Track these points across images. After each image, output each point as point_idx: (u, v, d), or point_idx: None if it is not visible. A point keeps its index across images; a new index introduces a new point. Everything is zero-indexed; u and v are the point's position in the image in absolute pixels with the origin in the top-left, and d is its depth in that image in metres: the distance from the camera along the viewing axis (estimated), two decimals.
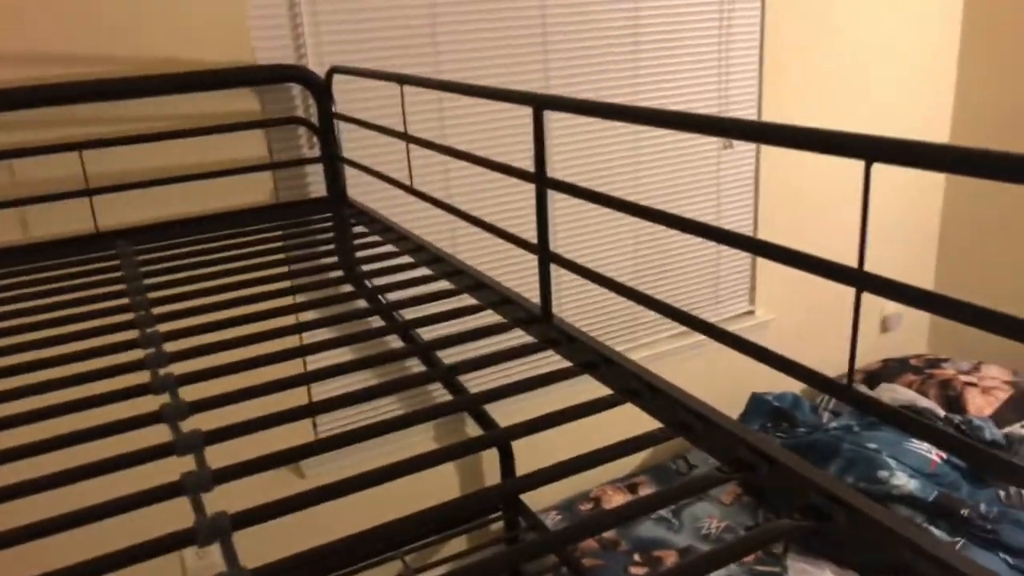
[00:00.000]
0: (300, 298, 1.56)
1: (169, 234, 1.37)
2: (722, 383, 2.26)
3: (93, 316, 0.94)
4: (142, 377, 0.79)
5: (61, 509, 0.56)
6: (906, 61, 2.32)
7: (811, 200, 2.26)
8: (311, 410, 0.67)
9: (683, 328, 2.16)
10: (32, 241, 1.36)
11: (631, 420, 2.08)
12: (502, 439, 0.64)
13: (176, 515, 1.54)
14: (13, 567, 1.44)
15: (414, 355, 1.73)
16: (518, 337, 1.87)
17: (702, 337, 2.15)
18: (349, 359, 0.77)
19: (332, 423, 1.73)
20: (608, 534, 1.83)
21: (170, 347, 0.81)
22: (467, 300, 1.26)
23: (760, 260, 2.22)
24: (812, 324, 2.39)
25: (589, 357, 0.77)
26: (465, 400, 0.70)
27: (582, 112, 0.68)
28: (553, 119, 1.82)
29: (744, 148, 2.10)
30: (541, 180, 0.78)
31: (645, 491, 2.02)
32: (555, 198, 1.87)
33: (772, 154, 2.15)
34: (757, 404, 2.16)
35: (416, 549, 1.78)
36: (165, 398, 0.68)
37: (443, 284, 1.02)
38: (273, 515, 0.51)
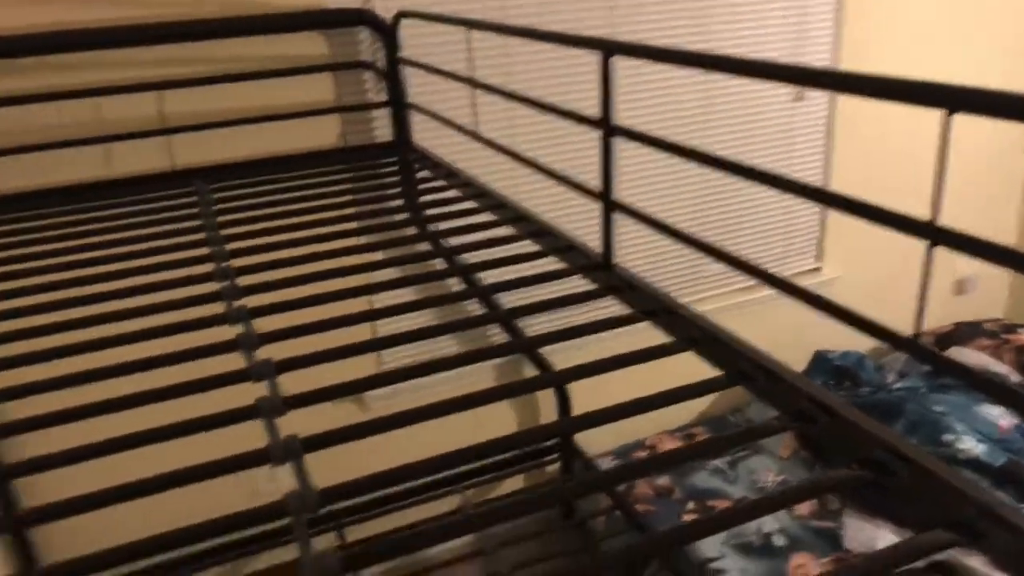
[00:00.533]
0: (366, 239, 1.59)
1: (241, 173, 1.41)
2: (783, 340, 2.23)
3: (172, 250, 0.98)
4: (216, 309, 0.83)
5: (135, 428, 0.60)
6: (998, 6, 2.18)
7: (887, 156, 2.17)
8: (377, 344, 0.70)
9: (744, 283, 2.13)
10: (115, 176, 1.42)
11: (690, 374, 2.07)
12: (559, 380, 0.66)
13: (240, 443, 1.62)
14: (108, 475, 1.55)
15: (475, 297, 1.75)
16: (579, 285, 1.87)
17: (764, 293, 2.11)
18: (412, 299, 0.79)
19: (395, 360, 1.78)
20: (663, 482, 1.85)
21: (243, 281, 0.84)
22: (529, 246, 1.27)
23: (829, 217, 2.16)
24: (880, 285, 2.32)
25: (650, 305, 0.78)
26: (525, 341, 0.72)
27: (651, 58, 0.67)
28: (619, 66, 1.78)
29: (818, 98, 2.03)
30: (607, 127, 0.77)
31: None
32: (619, 151, 1.84)
33: (847, 105, 2.06)
34: (820, 362, 2.13)
35: (476, 485, 1.83)
36: (239, 328, 0.71)
37: (505, 229, 1.03)
38: (343, 439, 0.53)
